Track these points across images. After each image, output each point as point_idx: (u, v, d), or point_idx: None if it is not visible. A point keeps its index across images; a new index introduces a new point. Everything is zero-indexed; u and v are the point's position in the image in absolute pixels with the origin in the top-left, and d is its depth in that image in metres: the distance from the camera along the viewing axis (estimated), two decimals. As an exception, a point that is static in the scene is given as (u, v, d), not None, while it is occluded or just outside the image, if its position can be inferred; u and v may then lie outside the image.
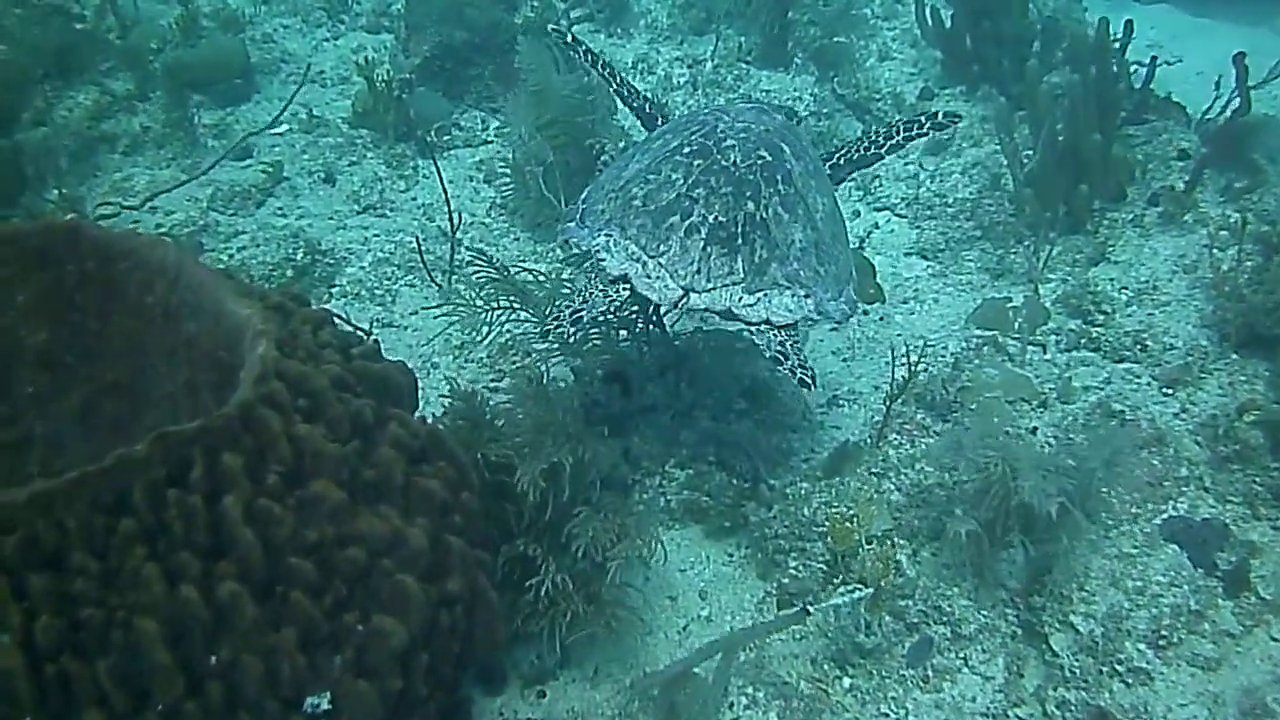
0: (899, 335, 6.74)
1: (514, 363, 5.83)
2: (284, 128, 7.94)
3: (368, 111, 7.75)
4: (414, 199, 7.53)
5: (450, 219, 6.68)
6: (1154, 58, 7.97)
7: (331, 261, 6.70)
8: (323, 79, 8.84)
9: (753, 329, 4.56)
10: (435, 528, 3.67)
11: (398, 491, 3.64)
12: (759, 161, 4.57)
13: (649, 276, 4.45)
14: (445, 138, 8.03)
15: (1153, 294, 6.61)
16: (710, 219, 4.45)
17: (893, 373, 5.74)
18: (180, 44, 8.33)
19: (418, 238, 6.62)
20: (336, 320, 4.07)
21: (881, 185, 8.36)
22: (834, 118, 8.97)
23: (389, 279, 6.69)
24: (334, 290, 6.56)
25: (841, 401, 6.14)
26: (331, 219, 7.18)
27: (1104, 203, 7.22)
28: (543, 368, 5.41)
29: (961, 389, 5.98)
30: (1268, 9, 13.68)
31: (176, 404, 4.02)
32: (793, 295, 4.55)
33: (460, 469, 3.96)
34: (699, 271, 4.44)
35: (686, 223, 4.45)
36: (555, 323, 4.45)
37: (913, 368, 5.64)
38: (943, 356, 6.40)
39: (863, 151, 5.55)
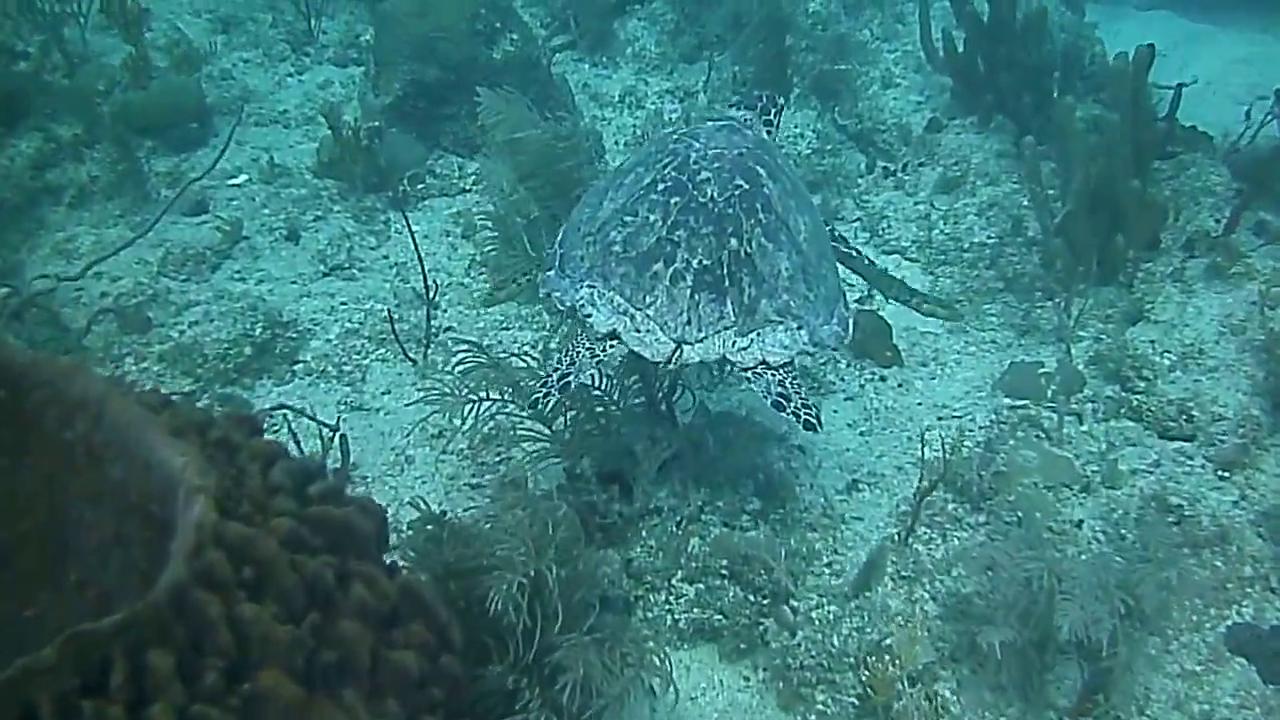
0: (920, 404, 6.26)
1: (498, 454, 5.24)
2: (242, 178, 7.36)
3: (334, 160, 7.14)
4: (385, 257, 6.99)
5: (426, 284, 6.09)
6: (1180, 85, 7.43)
7: (294, 335, 6.18)
8: (286, 119, 8.29)
9: (749, 374, 4.42)
10: (409, 709, 3.13)
11: (363, 671, 3.08)
12: (736, 192, 4.48)
13: (638, 331, 4.34)
14: (419, 186, 7.49)
15: (1198, 358, 6.15)
16: (694, 263, 4.36)
17: (922, 459, 5.23)
18: (130, 85, 7.78)
19: (389, 311, 6.03)
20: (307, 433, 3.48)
21: (890, 227, 7.87)
22: (839, 154, 8.41)
23: (358, 353, 6.16)
24: (297, 368, 6.05)
25: (862, 485, 5.65)
26: (295, 283, 6.63)
27: (1137, 250, 6.69)
28: (530, 467, 4.85)
29: (996, 474, 5.46)
30: (1272, 14, 13.31)
31: (105, 557, 3.46)
32: (785, 330, 4.48)
33: (439, 628, 3.42)
34: (689, 322, 4.35)
35: (671, 269, 4.35)
36: (544, 389, 4.34)
37: (945, 461, 5.08)
38: (971, 431, 5.88)
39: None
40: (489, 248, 6.76)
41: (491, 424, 5.09)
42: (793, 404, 4.40)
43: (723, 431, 5.25)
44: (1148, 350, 6.23)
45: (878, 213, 8.06)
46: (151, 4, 9.34)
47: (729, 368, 4.67)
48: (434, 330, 6.33)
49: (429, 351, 6.13)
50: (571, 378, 4.32)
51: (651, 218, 4.44)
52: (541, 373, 4.64)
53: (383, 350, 6.20)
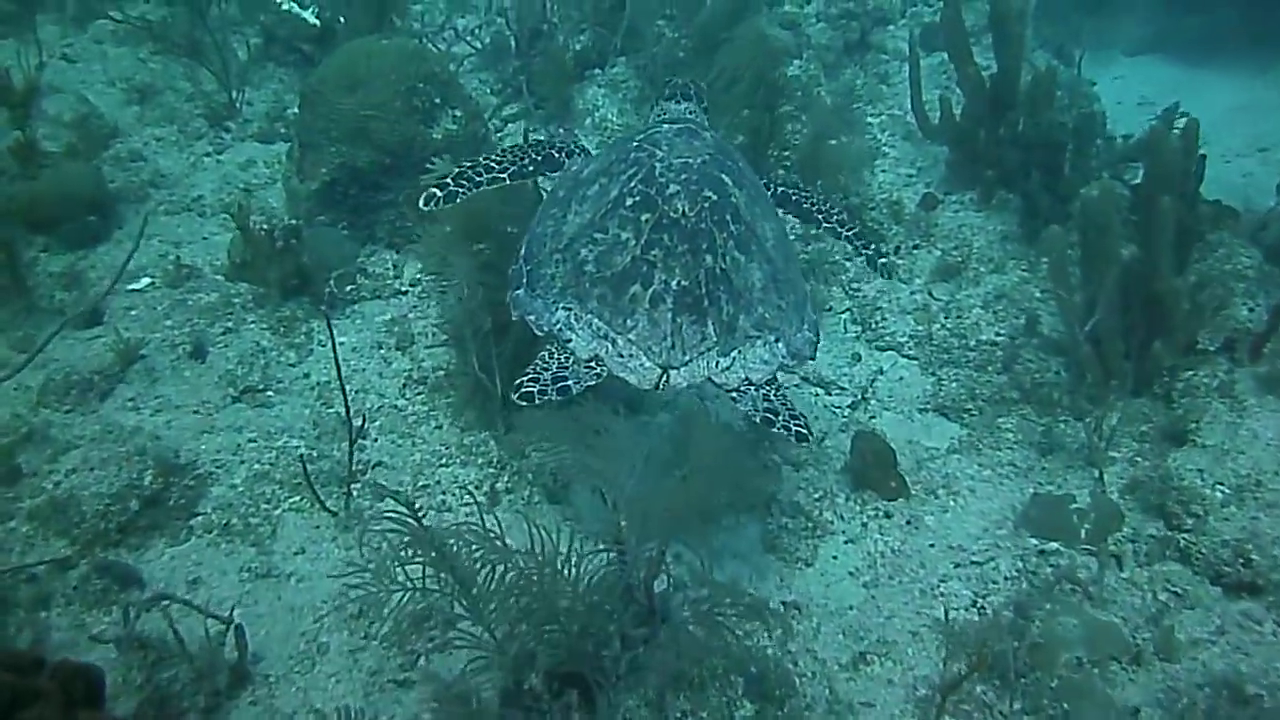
0: (932, 546, 5.43)
1: (432, 640, 4.32)
2: (144, 281, 6.43)
3: (247, 262, 6.22)
4: (306, 376, 6.10)
5: (348, 413, 5.17)
6: (1203, 155, 6.61)
7: (192, 481, 5.28)
8: (200, 206, 7.40)
9: (733, 394, 4.45)
10: None
11: None
12: (706, 205, 4.53)
13: (621, 356, 4.36)
14: (348, 289, 6.60)
15: (1256, 491, 5.34)
16: (674, 284, 4.37)
17: (945, 623, 4.34)
18: (18, 175, 6.76)
19: (303, 458, 5.08)
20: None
21: (884, 319, 7.05)
22: (823, 237, 7.55)
23: (268, 502, 5.26)
24: (195, 523, 5.16)
25: (870, 658, 4.83)
26: (197, 412, 5.73)
27: (1176, 357, 5.87)
28: (470, 669, 3.95)
29: (1033, 647, 4.57)
30: (1265, 59, 12.71)
31: None
32: (764, 344, 4.55)
33: None
34: (673, 346, 4.36)
35: (650, 291, 4.36)
36: (538, 389, 4.31)
37: (977, 657, 4.20)
38: (995, 584, 5.02)
39: (806, 208, 5.70)
40: (428, 363, 5.89)
41: (424, 603, 4.15)
42: (781, 417, 4.40)
43: (701, 607, 4.34)
44: (1195, 480, 5.43)
45: (870, 303, 7.23)
46: (58, 75, 8.45)
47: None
48: (360, 468, 5.43)
49: (353, 498, 5.18)
50: (572, 383, 4.30)
51: (624, 235, 4.44)
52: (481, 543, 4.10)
53: (297, 498, 5.27)
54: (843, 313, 7.38)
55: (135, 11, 9.53)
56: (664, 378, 4.34)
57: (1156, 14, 13.32)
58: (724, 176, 4.69)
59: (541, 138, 5.73)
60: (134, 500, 5.09)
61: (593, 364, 4.37)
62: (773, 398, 4.48)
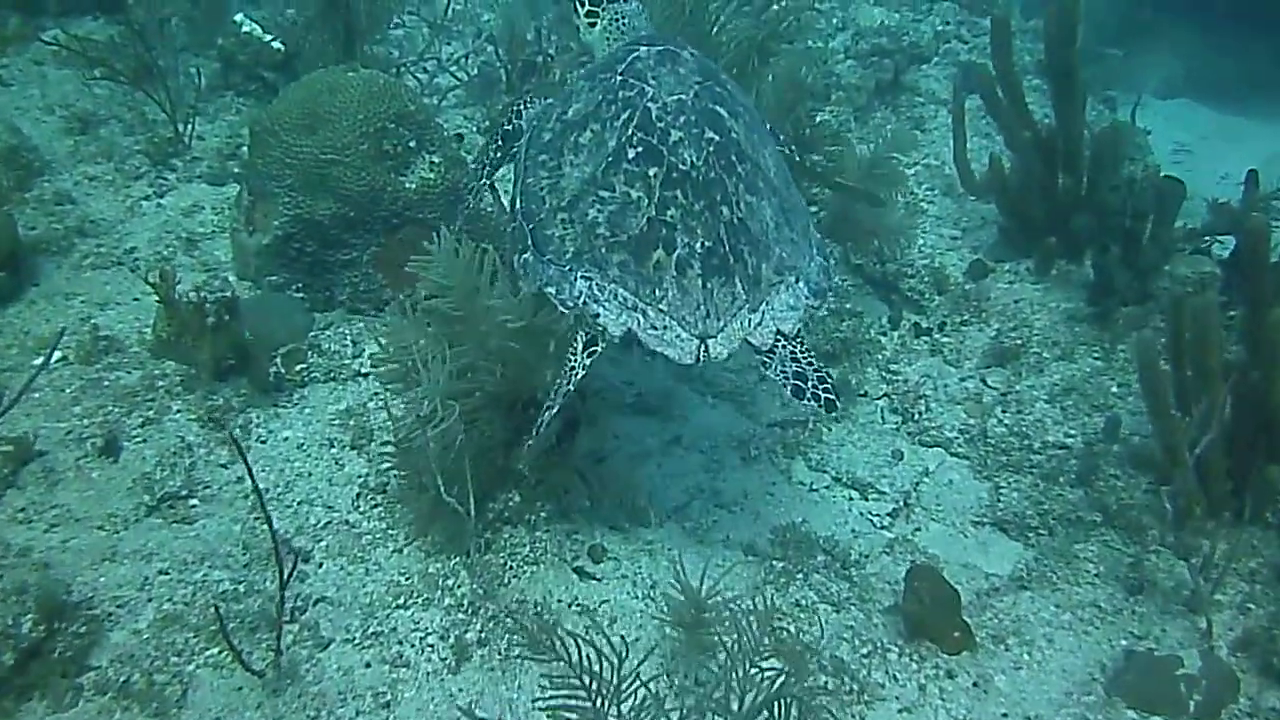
0: (1005, 717, 4.32)
1: None
2: (56, 356, 5.38)
3: (173, 338, 5.19)
4: (239, 480, 5.06)
5: (276, 549, 4.13)
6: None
7: (84, 626, 4.25)
8: (133, 259, 6.39)
9: (765, 357, 4.37)
10: None
11: None
12: (711, 148, 4.37)
13: (655, 329, 4.22)
14: (298, 367, 5.57)
15: None
16: (697, 246, 4.23)
17: None
18: (-88, 223, 5.77)
19: (218, 609, 4.02)
20: None
21: (929, 410, 6.12)
22: (852, 295, 6.60)
23: (179, 655, 4.26)
24: (83, 681, 4.09)
25: None
26: (102, 528, 4.72)
27: None
28: None
29: None
30: (1307, 103, 12.01)
31: None
32: (786, 287, 4.44)
33: None
34: (707, 314, 4.23)
35: (674, 256, 4.20)
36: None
37: None
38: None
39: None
40: (388, 468, 4.86)
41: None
42: (810, 383, 4.37)
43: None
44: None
45: (912, 389, 6.28)
46: (-12, 99, 7.45)
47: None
48: (299, 605, 4.39)
49: (285, 651, 4.13)
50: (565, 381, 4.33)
51: (633, 194, 4.27)
52: None
53: (216, 650, 4.21)
54: (879, 399, 6.41)
55: (81, 29, 8.49)
56: (702, 348, 4.18)
57: (1189, 55, 12.52)
58: (719, 109, 4.50)
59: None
60: (7, 652, 4.04)
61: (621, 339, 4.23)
62: (800, 358, 4.40)
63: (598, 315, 4.23)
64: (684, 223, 4.23)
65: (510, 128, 5.07)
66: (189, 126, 7.50)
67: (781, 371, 4.37)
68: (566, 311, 4.33)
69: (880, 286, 7.18)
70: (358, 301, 6.15)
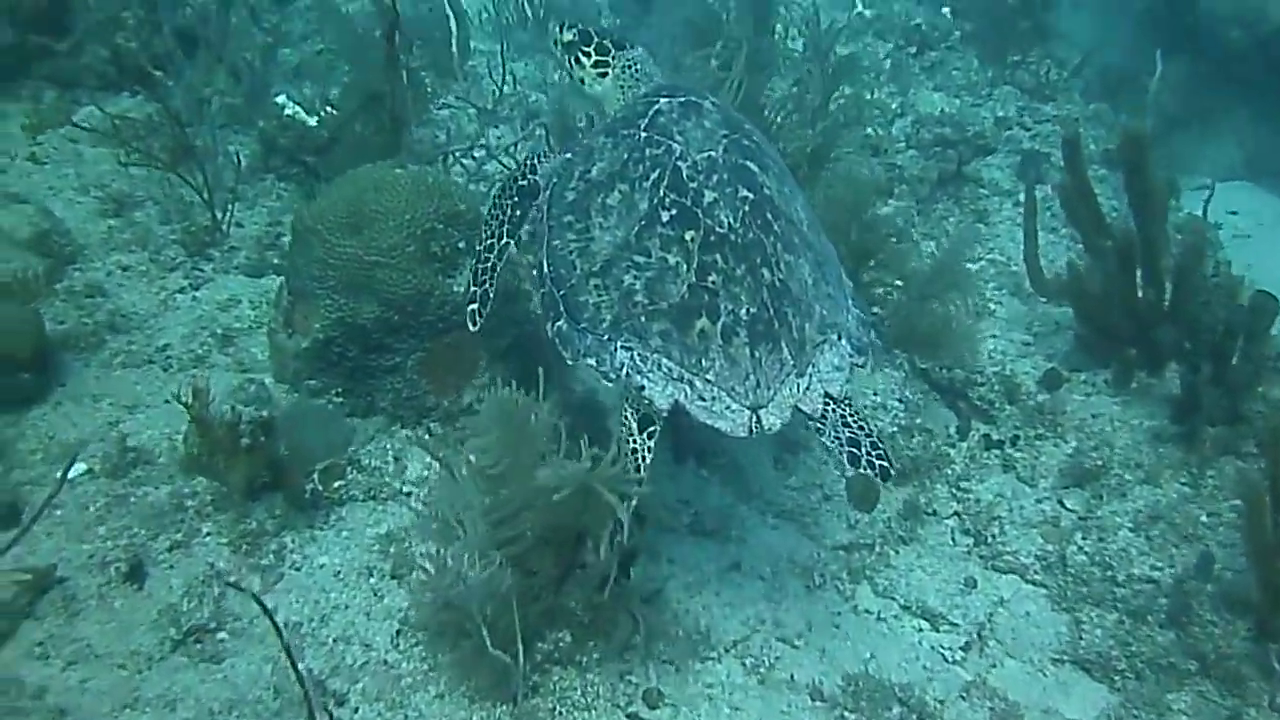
0: None
1: None
2: (79, 468, 5.15)
3: (204, 455, 4.89)
4: (273, 611, 4.65)
5: (309, 706, 3.81)
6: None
7: (100, 786, 3.82)
8: (166, 358, 6.12)
9: (815, 424, 4.26)
10: None
11: None
12: (747, 207, 4.31)
13: (703, 400, 4.12)
14: (337, 485, 5.25)
15: None
16: (743, 313, 4.15)
17: None
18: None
19: None
20: None
21: (1003, 532, 5.74)
22: (922, 409, 6.26)
23: (202, 821, 3.81)
24: None
25: None
26: (124, 668, 4.44)
27: None
28: None
29: None
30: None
31: None
32: (830, 346, 4.38)
33: None
34: (758, 384, 4.14)
35: (719, 324, 4.12)
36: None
37: None
38: None
39: None
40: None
41: None
42: (864, 450, 4.26)
43: None
44: None
45: (984, 509, 5.94)
46: (22, 180, 7.26)
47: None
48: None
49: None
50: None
51: (670, 259, 4.20)
52: None
53: (242, 817, 3.87)
54: (948, 518, 6.04)
55: (117, 107, 8.30)
56: (754, 419, 4.10)
57: (1248, 137, 12.23)
58: (750, 164, 4.46)
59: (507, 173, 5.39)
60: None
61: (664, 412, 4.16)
62: (850, 423, 4.32)
63: (642, 387, 4.12)
64: (726, 288, 4.16)
65: (525, 183, 4.92)
66: (227, 213, 7.25)
67: (835, 438, 4.26)
68: (609, 384, 4.22)
69: (947, 394, 6.85)
70: (400, 409, 5.85)
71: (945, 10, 11.98)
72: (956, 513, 6.19)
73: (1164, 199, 6.32)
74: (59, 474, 5.06)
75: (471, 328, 4.87)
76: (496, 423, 4.02)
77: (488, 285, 4.89)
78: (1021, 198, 8.67)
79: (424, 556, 4.56)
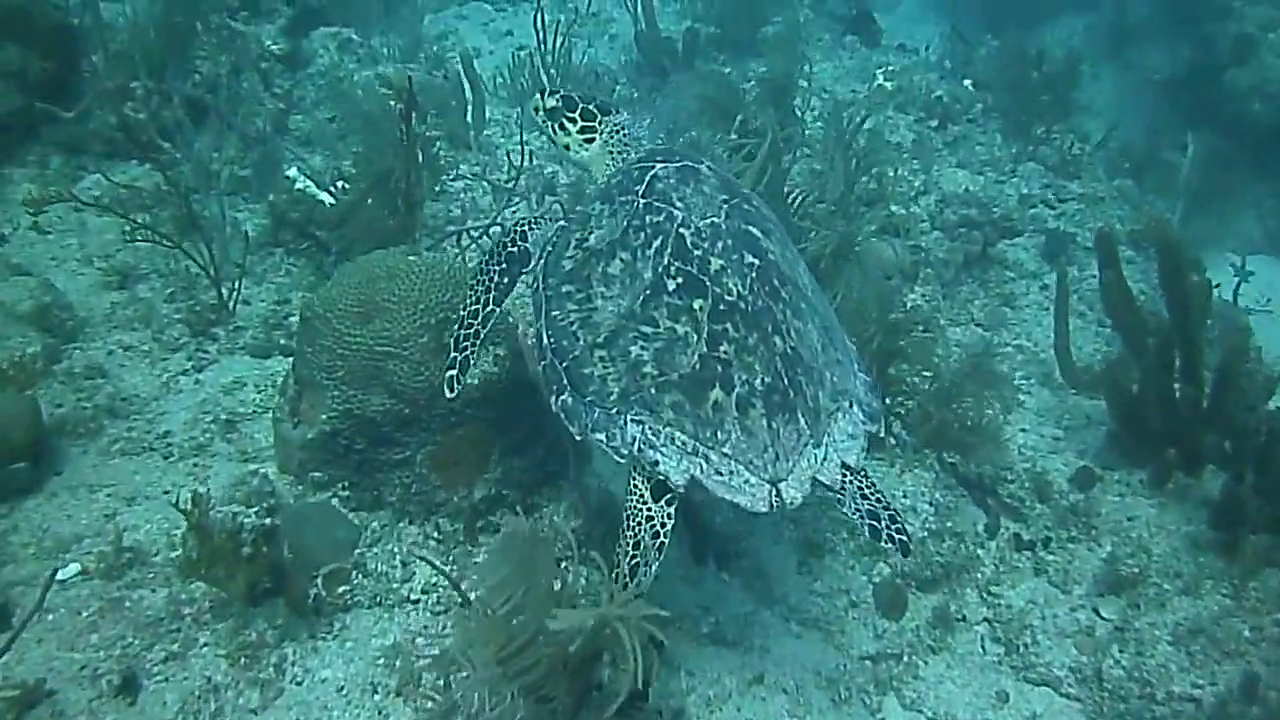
0: None
1: None
2: (70, 569, 4.94)
3: (204, 560, 4.67)
4: (272, 731, 4.45)
5: None
6: None
7: None
8: (167, 445, 5.91)
9: (837, 495, 4.15)
10: None
11: None
12: (754, 274, 4.24)
13: (720, 475, 3.99)
14: (341, 590, 5.00)
15: None
16: (758, 383, 4.05)
17: None
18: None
19: None
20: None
21: (1035, 642, 5.52)
22: (953, 511, 6.04)
23: None
24: None
25: None
26: (110, 794, 4.08)
27: None
28: None
29: None
30: None
31: None
32: (842, 414, 4.28)
33: None
34: (776, 456, 4.03)
35: (734, 395, 4.02)
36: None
37: None
38: None
39: None
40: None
41: None
42: (884, 524, 4.14)
43: None
44: None
45: (1016, 616, 5.70)
46: (24, 250, 7.09)
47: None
48: None
49: None
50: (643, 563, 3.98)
51: (679, 329, 4.10)
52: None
53: None
54: (978, 625, 5.80)
55: (124, 175, 8.14)
56: (774, 493, 3.99)
57: (1268, 211, 12.14)
58: (753, 229, 4.39)
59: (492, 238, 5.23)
60: None
61: (685, 489, 4.01)
62: (868, 492, 4.20)
63: (656, 462, 4.00)
64: (739, 358, 4.07)
65: (516, 250, 4.75)
66: (234, 291, 7.05)
67: (855, 510, 4.14)
68: (620, 460, 4.09)
69: (976, 490, 6.61)
70: (408, 503, 5.64)
71: (967, 83, 11.87)
72: (987, 619, 5.96)
73: (1204, 301, 6.10)
74: (48, 576, 4.81)
75: (448, 394, 4.67)
76: (508, 562, 3.79)
77: (469, 352, 4.69)
78: (1048, 280, 8.51)
79: (430, 685, 4.33)
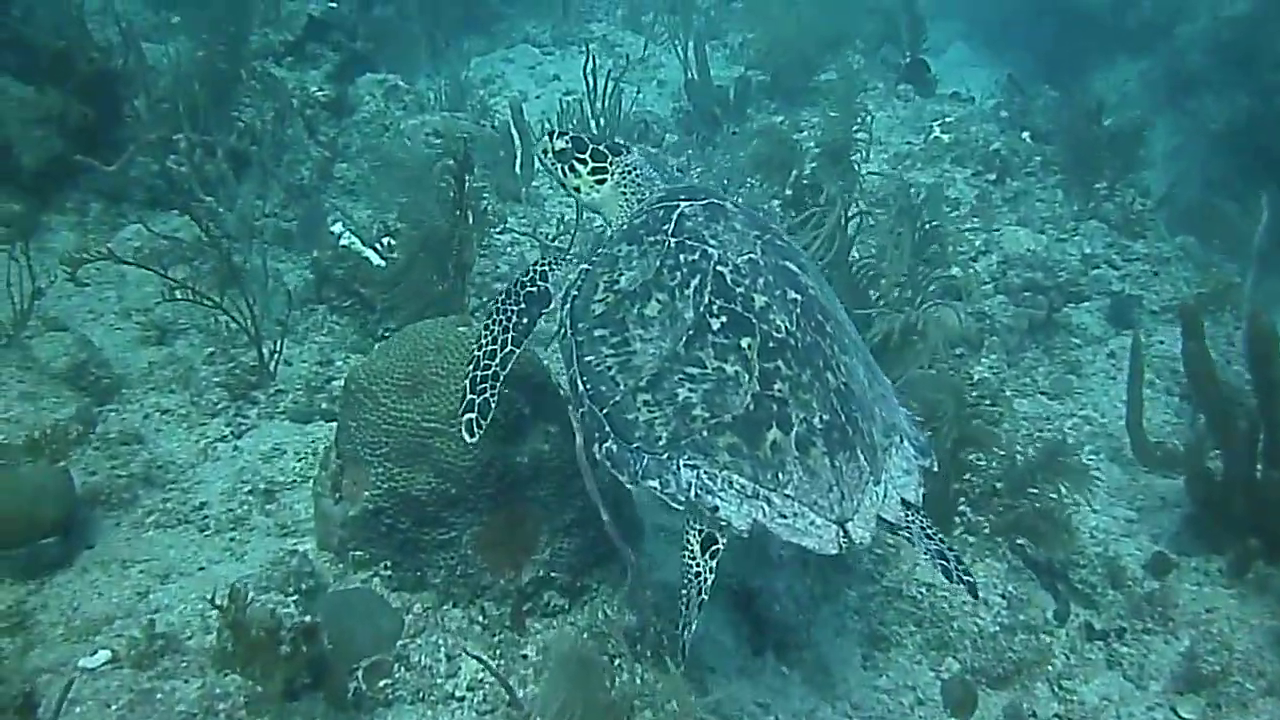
0: None
1: None
2: (100, 656, 4.71)
3: (240, 653, 4.44)
4: (308, 843, 4.19)
5: None
6: None
7: None
8: (203, 518, 5.69)
9: (904, 534, 4.05)
10: None
11: None
12: (798, 310, 4.16)
13: (784, 517, 3.83)
14: (383, 684, 4.74)
15: None
16: (815, 421, 3.93)
17: None
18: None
19: None
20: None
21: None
22: (1026, 604, 5.77)
23: None
24: None
25: None
26: None
27: None
28: None
29: None
30: None
31: None
32: (895, 449, 4.18)
33: None
34: (842, 495, 3.90)
35: (793, 434, 3.89)
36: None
37: None
38: None
39: None
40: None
41: None
42: (952, 564, 4.05)
43: None
44: None
45: (1090, 714, 5.34)
46: (60, 303, 6.92)
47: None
48: None
49: None
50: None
51: (728, 369, 3.97)
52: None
53: None
54: (1051, 720, 5.48)
55: (165, 225, 7.99)
56: (840, 533, 3.84)
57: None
58: (789, 264, 4.32)
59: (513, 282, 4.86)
60: None
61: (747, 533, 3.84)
62: (930, 531, 4.11)
63: (716, 508, 3.85)
64: (795, 396, 3.95)
65: (535, 290, 4.65)
66: (276, 353, 6.84)
67: (926, 550, 4.07)
68: (677, 507, 3.93)
69: (1044, 573, 6.31)
70: (453, 585, 5.39)
71: (1025, 134, 11.59)
72: (1059, 715, 5.65)
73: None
74: (77, 666, 4.59)
75: (468, 439, 4.50)
76: (565, 680, 3.55)
77: (489, 395, 4.51)
78: (1114, 347, 8.22)
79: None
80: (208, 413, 6.51)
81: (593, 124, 10.50)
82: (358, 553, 5.50)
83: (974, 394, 6.29)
